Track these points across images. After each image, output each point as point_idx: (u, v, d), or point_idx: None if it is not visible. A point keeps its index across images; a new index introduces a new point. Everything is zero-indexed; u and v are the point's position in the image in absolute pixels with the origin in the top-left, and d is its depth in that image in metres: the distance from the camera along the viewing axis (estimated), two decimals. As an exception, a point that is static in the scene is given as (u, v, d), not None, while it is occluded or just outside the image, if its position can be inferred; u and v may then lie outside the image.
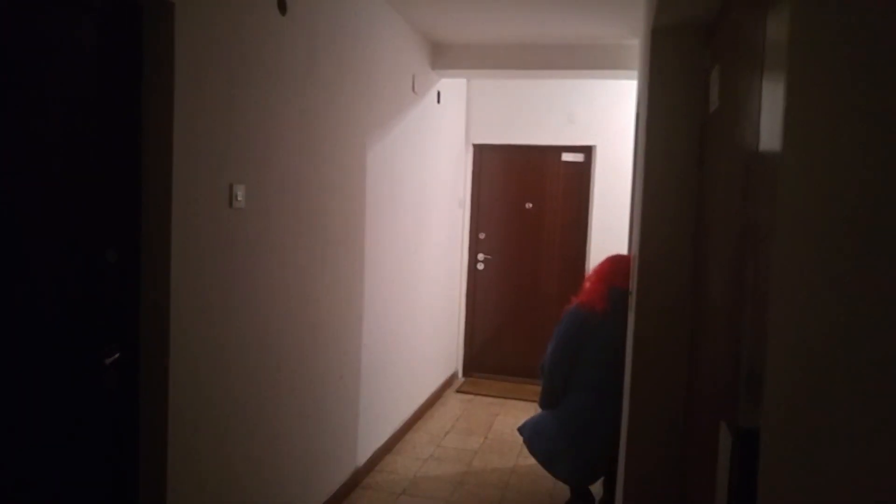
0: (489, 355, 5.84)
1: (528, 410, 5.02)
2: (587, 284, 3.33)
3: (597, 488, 3.42)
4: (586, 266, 5.53)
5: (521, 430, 3.53)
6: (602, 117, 5.38)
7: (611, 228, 5.29)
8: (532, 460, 3.55)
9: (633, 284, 2.40)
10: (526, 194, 5.66)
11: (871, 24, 0.75)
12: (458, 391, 5.46)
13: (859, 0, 0.75)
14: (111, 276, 1.91)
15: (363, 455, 3.64)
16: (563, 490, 3.45)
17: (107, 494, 1.97)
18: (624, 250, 4.37)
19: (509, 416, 4.92)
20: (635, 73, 4.02)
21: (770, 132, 1.07)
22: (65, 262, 1.79)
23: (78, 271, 1.82)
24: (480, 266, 5.78)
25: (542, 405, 3.34)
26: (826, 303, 0.75)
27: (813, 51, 0.75)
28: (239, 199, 2.29)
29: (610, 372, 3.01)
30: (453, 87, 5.13)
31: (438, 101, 4.73)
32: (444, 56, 4.53)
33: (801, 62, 0.74)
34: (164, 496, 2.03)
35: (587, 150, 5.49)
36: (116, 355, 1.92)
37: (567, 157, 5.55)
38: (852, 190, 0.72)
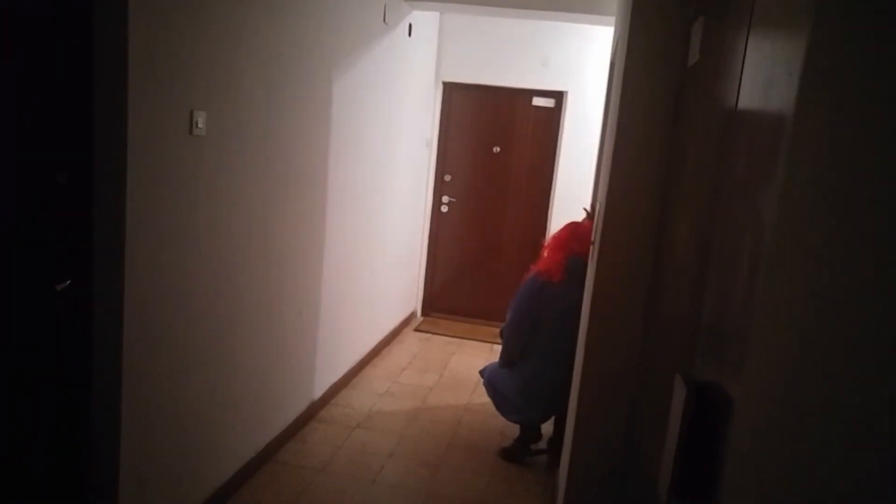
0: (448, 296, 5.89)
1: (483, 351, 5.13)
2: (545, 252, 3.34)
3: (547, 426, 3.54)
4: (549, 214, 5.56)
5: (481, 372, 3.61)
6: (575, 63, 5.30)
7: (576, 177, 5.30)
8: (485, 399, 3.64)
9: (596, 236, 2.42)
10: (494, 137, 5.60)
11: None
12: (416, 330, 5.52)
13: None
14: (62, 200, 1.83)
15: (319, 389, 3.67)
16: (514, 427, 3.56)
17: (59, 421, 1.94)
18: (588, 200, 4.39)
19: (465, 355, 5.01)
20: (612, 20, 3.95)
21: (751, 90, 1.06)
22: (10, 182, 1.69)
23: (26, 193, 1.74)
24: (444, 208, 5.75)
25: (500, 365, 3.42)
26: (816, 273, 0.75)
27: (834, 11, 0.72)
28: (199, 126, 2.20)
29: (566, 341, 3.08)
30: (426, 20, 4.97)
31: (410, 35, 4.58)
32: (418, -13, 4.36)
33: (826, 20, 0.72)
34: (118, 424, 2.01)
35: (559, 96, 5.43)
36: (68, 282, 1.85)
37: (538, 101, 5.48)
38: (857, 160, 0.71)
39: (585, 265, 3.05)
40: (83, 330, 1.94)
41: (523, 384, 3.28)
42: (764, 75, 0.92)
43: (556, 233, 3.39)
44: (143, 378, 2.10)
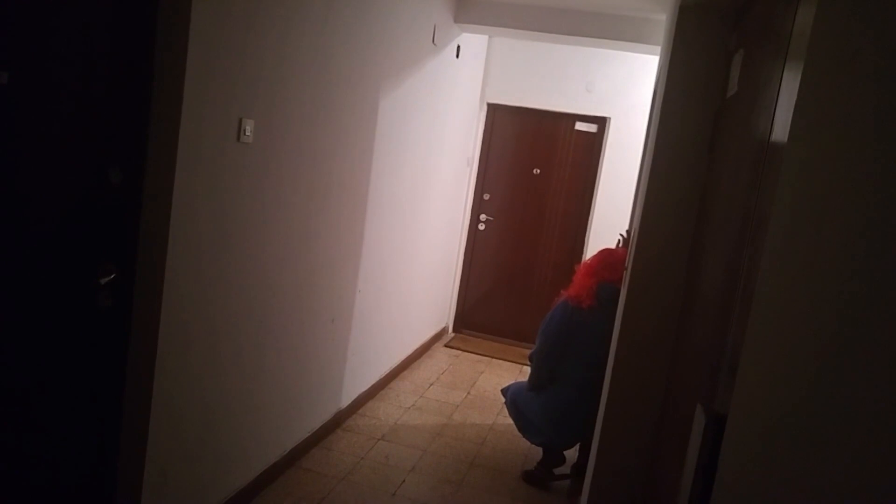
0: (480, 314, 5.90)
1: (512, 371, 5.11)
2: (577, 278, 3.34)
3: (571, 450, 3.50)
4: (586, 238, 5.54)
5: (504, 391, 3.60)
6: (619, 90, 5.31)
7: (615, 203, 5.28)
8: (510, 420, 3.63)
9: (628, 263, 2.41)
10: (535, 159, 5.63)
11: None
12: (447, 346, 5.54)
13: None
14: (113, 196, 1.92)
15: (347, 398, 3.71)
16: (537, 450, 3.54)
17: (91, 409, 2.01)
18: (625, 227, 4.37)
19: (493, 374, 5.00)
20: (658, 49, 3.95)
21: (784, 123, 1.07)
22: (68, 179, 1.79)
23: (81, 190, 1.83)
24: (482, 226, 5.79)
25: (528, 388, 3.41)
26: (809, 300, 0.76)
27: (833, 46, 0.74)
28: (247, 133, 2.28)
29: (594, 368, 3.06)
30: (473, 43, 5.04)
31: (457, 56, 4.66)
32: (467, 10, 4.44)
33: (820, 55, 0.74)
34: (146, 418, 2.08)
35: (601, 122, 5.43)
36: (112, 276, 1.94)
37: (580, 126, 5.49)
38: (851, 190, 0.73)
39: (616, 292, 3.03)
40: (122, 323, 2.02)
41: (550, 409, 3.25)
42: (790, 108, 0.94)
43: (589, 259, 3.38)
44: (174, 375, 2.16)
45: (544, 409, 3.27)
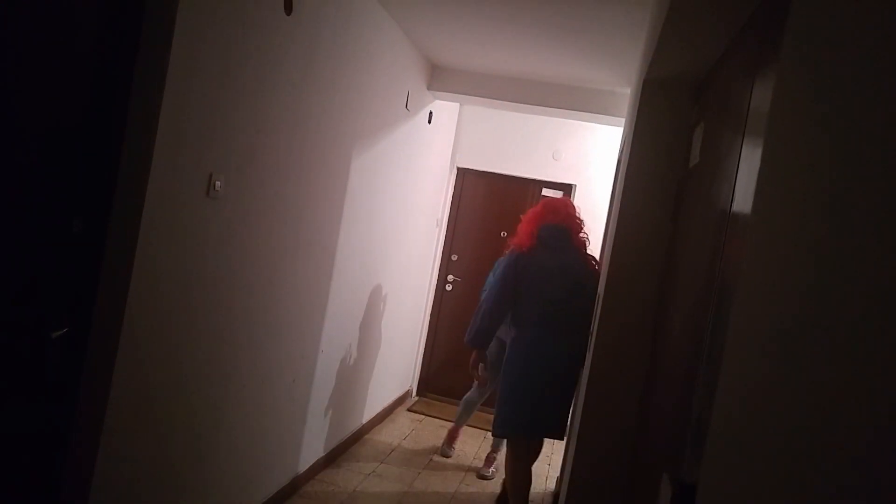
0: (446, 378, 5.81)
1: (477, 438, 5.00)
2: (520, 227, 3.47)
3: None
4: (552, 302, 5.58)
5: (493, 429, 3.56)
6: (585, 158, 5.48)
7: (581, 268, 5.35)
8: (473, 489, 3.53)
9: (593, 327, 2.42)
10: (503, 223, 5.70)
11: (853, 104, 0.78)
12: (410, 410, 5.42)
13: (845, 76, 0.78)
14: (73, 247, 1.87)
15: (305, 462, 3.58)
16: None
17: (31, 474, 1.90)
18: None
19: (457, 441, 4.88)
20: (622, 121, 4.11)
21: (745, 194, 1.10)
22: (25, 224, 1.74)
23: (38, 236, 1.78)
24: (449, 287, 5.78)
25: (469, 342, 3.44)
26: (777, 367, 0.77)
27: (791, 122, 0.77)
28: (217, 189, 2.27)
29: (549, 305, 3.15)
30: (446, 109, 5.18)
31: (429, 122, 4.76)
32: (440, 78, 4.58)
33: (779, 131, 0.77)
34: (89, 481, 1.96)
35: (567, 189, 5.57)
36: (65, 330, 1.86)
37: (547, 192, 5.61)
38: (816, 258, 0.74)
39: (558, 230, 3.21)
40: (71, 379, 1.93)
41: (511, 358, 3.29)
42: (753, 180, 0.97)
43: (532, 208, 3.51)
44: (122, 436, 2.06)
45: (505, 362, 3.33)
